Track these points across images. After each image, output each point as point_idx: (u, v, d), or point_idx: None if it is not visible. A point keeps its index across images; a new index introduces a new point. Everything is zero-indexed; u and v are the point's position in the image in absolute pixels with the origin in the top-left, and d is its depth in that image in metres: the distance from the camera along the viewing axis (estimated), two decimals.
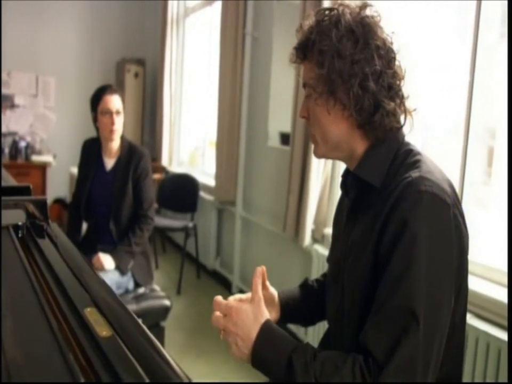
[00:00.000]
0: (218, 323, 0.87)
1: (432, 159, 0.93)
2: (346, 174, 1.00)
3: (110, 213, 2.21)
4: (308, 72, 0.91)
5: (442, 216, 0.80)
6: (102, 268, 2.06)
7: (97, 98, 2.16)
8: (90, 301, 0.64)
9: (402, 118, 0.92)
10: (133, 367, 0.47)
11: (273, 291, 1.07)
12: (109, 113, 2.14)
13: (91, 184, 2.25)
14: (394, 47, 0.90)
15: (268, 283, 1.05)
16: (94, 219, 2.29)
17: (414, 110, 0.93)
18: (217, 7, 3.68)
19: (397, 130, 0.91)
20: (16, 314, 0.58)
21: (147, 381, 0.45)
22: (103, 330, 0.55)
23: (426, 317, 0.76)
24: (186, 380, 0.48)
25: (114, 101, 2.15)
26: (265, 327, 0.82)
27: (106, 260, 2.09)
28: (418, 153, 0.89)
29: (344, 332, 0.93)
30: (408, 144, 0.93)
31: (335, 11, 0.88)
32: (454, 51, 2.05)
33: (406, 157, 0.89)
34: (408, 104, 0.92)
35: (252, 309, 0.85)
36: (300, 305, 1.09)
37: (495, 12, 1.81)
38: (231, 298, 0.95)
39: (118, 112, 2.16)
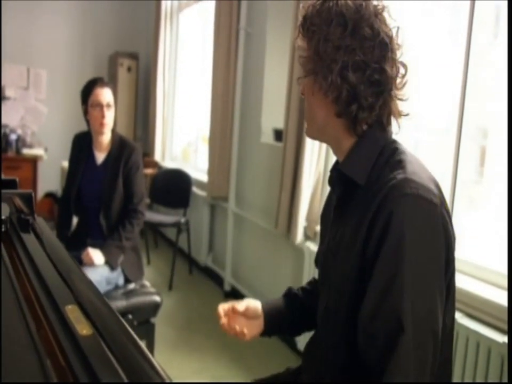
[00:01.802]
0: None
1: (423, 158, 0.91)
2: (333, 170, 0.98)
3: (100, 207, 2.18)
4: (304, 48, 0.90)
5: (429, 218, 0.79)
6: (92, 263, 2.04)
7: (87, 91, 2.13)
8: (73, 298, 0.62)
9: (387, 117, 0.89)
10: (112, 366, 0.46)
11: (256, 304, 1.06)
12: (100, 106, 2.11)
13: (81, 178, 2.23)
14: (397, 44, 0.85)
15: (245, 302, 1.06)
16: (84, 213, 2.26)
17: (407, 114, 0.90)
18: (212, 2, 3.65)
19: (380, 127, 0.89)
20: None
21: (126, 381, 0.44)
22: (83, 328, 0.53)
23: (415, 324, 0.76)
24: (167, 380, 0.47)
25: (105, 94, 2.12)
26: None
27: (96, 255, 2.06)
28: (403, 152, 0.87)
29: (329, 331, 0.92)
30: (394, 142, 0.90)
31: None
32: (447, 51, 2.04)
33: (391, 155, 0.87)
34: (403, 106, 0.89)
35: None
36: (284, 316, 1.07)
37: (488, 12, 1.80)
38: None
39: (108, 105, 2.13)
